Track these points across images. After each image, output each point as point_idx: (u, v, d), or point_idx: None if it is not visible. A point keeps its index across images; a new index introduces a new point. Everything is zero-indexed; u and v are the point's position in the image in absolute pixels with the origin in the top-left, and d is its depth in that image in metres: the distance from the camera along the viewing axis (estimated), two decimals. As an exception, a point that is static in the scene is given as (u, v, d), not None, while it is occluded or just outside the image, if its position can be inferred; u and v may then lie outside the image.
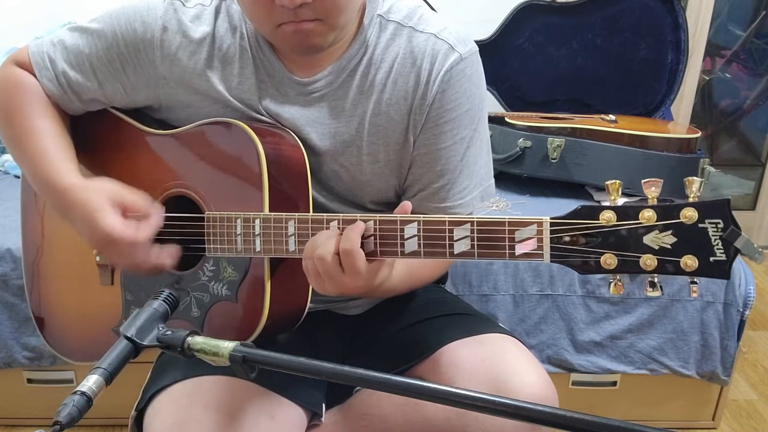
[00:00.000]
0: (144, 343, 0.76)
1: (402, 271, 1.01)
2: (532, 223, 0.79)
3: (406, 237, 0.85)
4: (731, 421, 1.88)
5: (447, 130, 1.02)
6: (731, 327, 1.68)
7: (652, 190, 0.74)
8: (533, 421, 0.65)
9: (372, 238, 0.86)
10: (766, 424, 1.88)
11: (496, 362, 0.98)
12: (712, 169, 1.76)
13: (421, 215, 0.85)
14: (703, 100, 2.80)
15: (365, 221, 0.86)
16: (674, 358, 1.72)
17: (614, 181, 0.76)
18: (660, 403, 1.80)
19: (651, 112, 2.13)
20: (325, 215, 0.90)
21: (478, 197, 1.07)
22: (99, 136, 1.12)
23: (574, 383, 1.77)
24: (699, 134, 1.84)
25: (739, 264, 1.68)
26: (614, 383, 1.78)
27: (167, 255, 0.99)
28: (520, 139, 1.84)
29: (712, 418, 1.83)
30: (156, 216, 0.98)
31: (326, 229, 0.89)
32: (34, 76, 1.07)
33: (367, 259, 0.85)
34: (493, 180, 1.11)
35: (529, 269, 1.66)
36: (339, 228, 0.88)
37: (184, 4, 1.03)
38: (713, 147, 2.89)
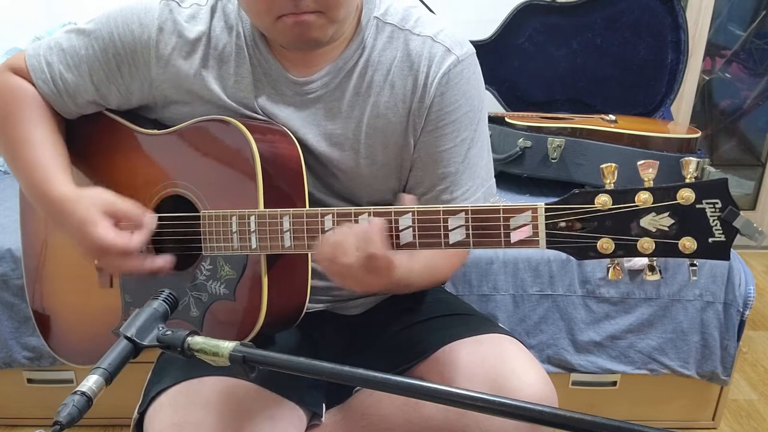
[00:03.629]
0: (144, 343, 0.76)
1: (422, 265, 1.01)
2: (526, 210, 0.78)
3: (400, 228, 0.85)
4: (731, 421, 1.88)
5: (447, 132, 1.02)
6: (731, 327, 1.68)
7: (649, 171, 0.73)
8: (533, 421, 0.65)
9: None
10: (766, 424, 1.88)
11: (496, 362, 0.98)
12: (712, 169, 1.76)
13: (416, 206, 0.84)
14: (703, 100, 2.80)
15: (358, 214, 0.86)
16: (674, 358, 1.72)
17: (609, 164, 0.76)
18: (660, 403, 1.80)
19: (651, 112, 2.13)
20: (319, 210, 0.90)
21: (482, 198, 1.07)
22: (93, 139, 1.12)
23: (574, 383, 1.77)
24: (699, 134, 1.84)
25: (740, 264, 1.68)
26: (614, 383, 1.77)
27: (161, 261, 0.99)
28: (520, 139, 1.84)
29: (712, 418, 1.83)
30: (148, 224, 0.98)
31: (321, 223, 0.89)
32: (31, 81, 1.07)
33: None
34: (494, 180, 1.11)
35: (528, 269, 1.66)
36: (352, 221, 0.87)
37: (179, 5, 1.03)
38: (713, 147, 2.89)
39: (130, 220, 0.98)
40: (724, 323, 1.68)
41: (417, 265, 0.98)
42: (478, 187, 1.06)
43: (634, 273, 1.64)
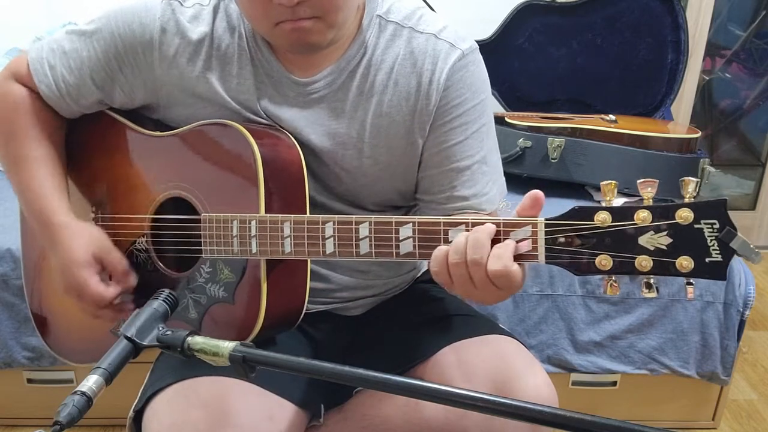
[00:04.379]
0: (144, 343, 0.76)
1: None
2: (526, 224, 0.79)
3: (401, 239, 0.85)
4: (731, 421, 1.88)
5: (456, 126, 1.02)
6: (731, 327, 1.68)
7: (648, 190, 0.73)
8: (533, 421, 0.65)
9: (366, 239, 0.86)
10: (766, 424, 1.88)
11: (496, 364, 0.98)
12: (712, 169, 1.76)
13: (416, 216, 0.85)
14: (703, 100, 2.80)
15: (360, 222, 0.86)
16: (674, 358, 1.72)
17: (609, 181, 0.76)
18: (660, 403, 1.80)
19: (651, 112, 2.13)
20: (320, 216, 0.90)
21: (497, 195, 1.06)
22: (96, 139, 1.12)
23: (574, 383, 1.77)
24: (699, 134, 1.84)
25: (740, 264, 1.68)
26: (614, 383, 1.78)
27: (118, 312, 1.04)
28: (520, 139, 1.84)
29: (712, 418, 1.83)
30: (127, 282, 1.04)
31: (321, 230, 0.89)
32: (33, 84, 1.07)
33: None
34: (504, 179, 1.11)
35: (529, 269, 1.65)
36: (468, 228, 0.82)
37: (182, 4, 1.02)
38: (713, 147, 2.89)
39: (115, 272, 1.03)
40: (724, 323, 1.68)
41: None
42: (493, 183, 1.06)
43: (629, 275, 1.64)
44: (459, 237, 0.80)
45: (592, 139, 1.82)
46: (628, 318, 1.69)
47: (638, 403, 1.80)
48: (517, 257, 0.79)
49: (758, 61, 2.79)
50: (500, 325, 1.13)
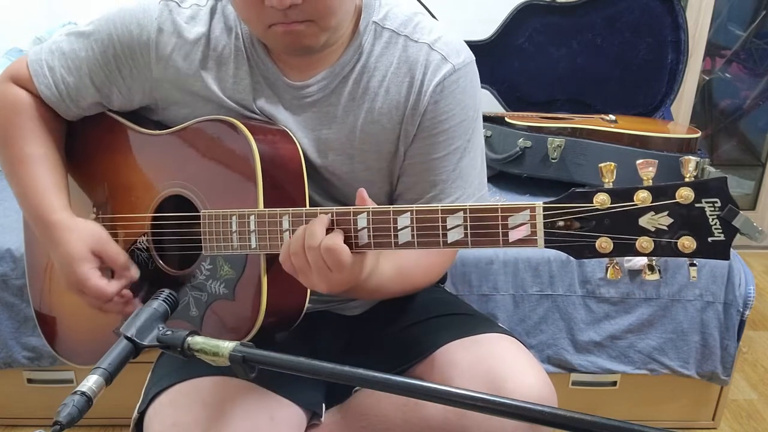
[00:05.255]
0: (144, 343, 0.76)
1: (391, 269, 1.00)
2: (525, 209, 0.78)
3: (399, 228, 0.84)
4: (731, 421, 1.88)
5: (440, 141, 1.02)
6: (731, 327, 1.68)
7: (649, 170, 0.73)
8: (533, 421, 0.65)
9: (365, 230, 0.87)
10: (766, 424, 1.88)
11: (494, 363, 0.98)
12: (712, 169, 1.76)
13: (414, 206, 0.84)
14: (703, 100, 2.80)
15: (357, 213, 0.86)
16: (674, 358, 1.72)
17: (608, 163, 0.76)
18: (660, 403, 1.80)
19: (651, 112, 2.13)
20: (318, 209, 0.89)
21: None
22: (96, 139, 1.13)
23: (574, 383, 1.77)
24: (699, 134, 1.84)
25: (740, 264, 1.68)
26: (614, 383, 1.78)
27: (123, 306, 1.04)
28: (520, 139, 1.84)
29: (712, 418, 1.83)
30: (128, 275, 1.03)
31: None
32: (33, 86, 1.07)
33: (352, 252, 0.85)
34: (486, 190, 1.11)
35: (528, 269, 1.66)
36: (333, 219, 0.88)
37: (179, 5, 1.03)
38: (713, 147, 2.89)
39: (115, 266, 1.02)
40: (724, 323, 1.68)
41: (386, 267, 0.98)
42: (469, 196, 1.06)
43: (634, 273, 1.64)
44: (299, 230, 0.87)
45: (592, 139, 1.82)
46: (628, 318, 1.69)
47: (638, 403, 1.80)
48: (517, 242, 0.79)
49: (758, 61, 2.78)
50: (499, 324, 1.13)
